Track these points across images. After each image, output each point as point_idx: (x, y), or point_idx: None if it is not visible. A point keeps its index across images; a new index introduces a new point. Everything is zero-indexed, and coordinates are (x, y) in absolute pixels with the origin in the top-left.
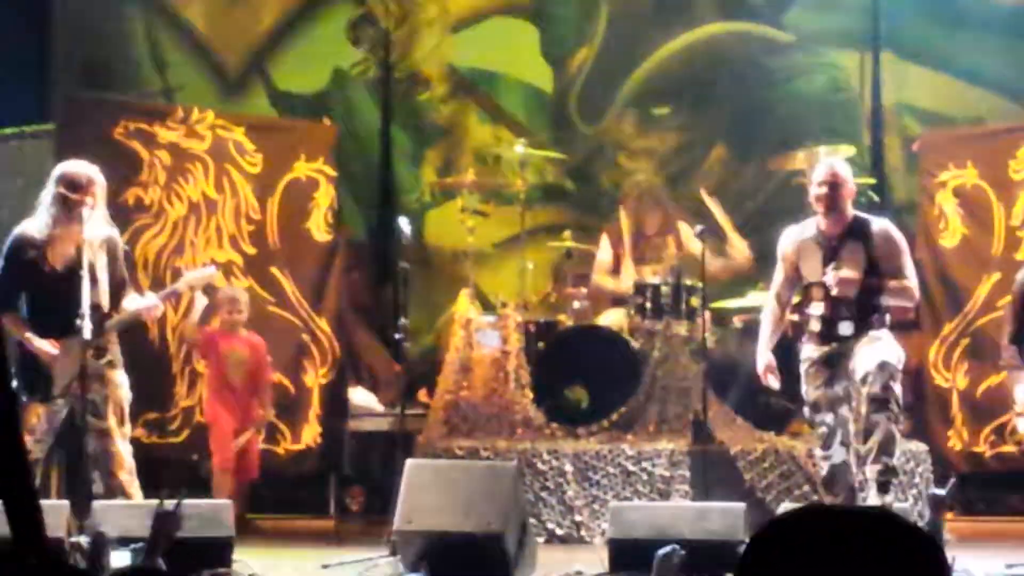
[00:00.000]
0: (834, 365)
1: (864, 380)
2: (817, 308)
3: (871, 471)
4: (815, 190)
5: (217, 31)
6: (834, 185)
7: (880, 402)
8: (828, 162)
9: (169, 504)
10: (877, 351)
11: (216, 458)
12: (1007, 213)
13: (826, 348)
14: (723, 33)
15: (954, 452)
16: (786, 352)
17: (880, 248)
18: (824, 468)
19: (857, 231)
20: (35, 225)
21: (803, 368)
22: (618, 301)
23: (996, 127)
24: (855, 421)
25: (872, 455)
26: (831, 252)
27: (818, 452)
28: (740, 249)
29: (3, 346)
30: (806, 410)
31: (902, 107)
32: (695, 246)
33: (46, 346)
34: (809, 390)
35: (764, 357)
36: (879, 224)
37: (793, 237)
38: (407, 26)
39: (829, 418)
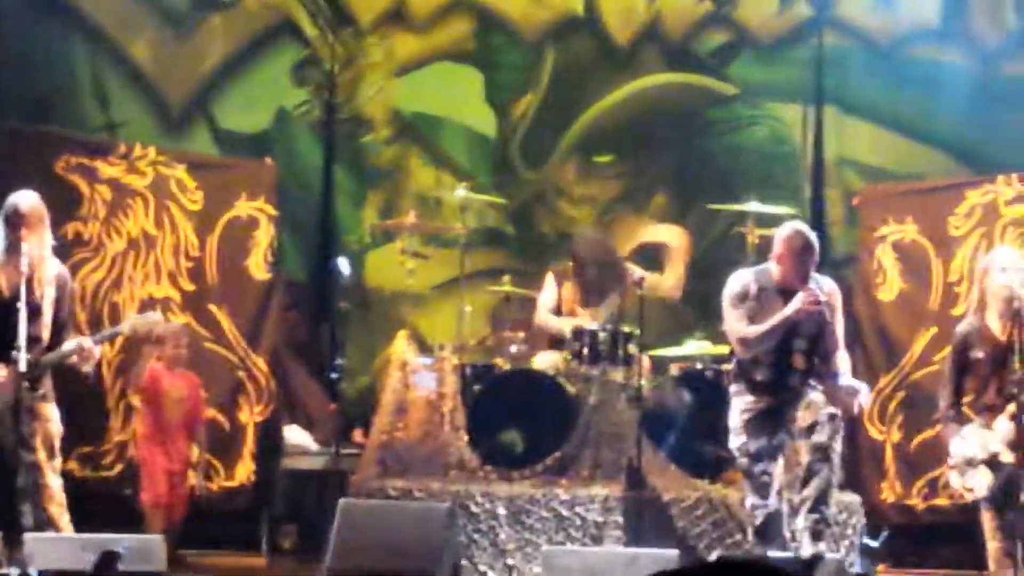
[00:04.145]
0: (776, 416)
1: (811, 430)
2: (767, 356)
3: (807, 519)
4: (777, 246)
5: (162, 68)
6: (797, 246)
7: (824, 451)
8: (792, 224)
9: (117, 549)
10: (824, 403)
11: (147, 495)
12: (945, 269)
13: (769, 399)
14: (667, 83)
15: (887, 504)
16: (720, 399)
17: (830, 307)
18: (760, 517)
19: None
20: None
21: (742, 418)
22: (556, 343)
23: (936, 183)
24: (789, 471)
25: (808, 504)
26: (790, 301)
27: (755, 501)
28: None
29: None
30: (743, 460)
31: (843, 161)
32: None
33: None
34: (750, 441)
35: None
36: (830, 284)
37: (752, 279)
38: (352, 68)
39: (771, 467)
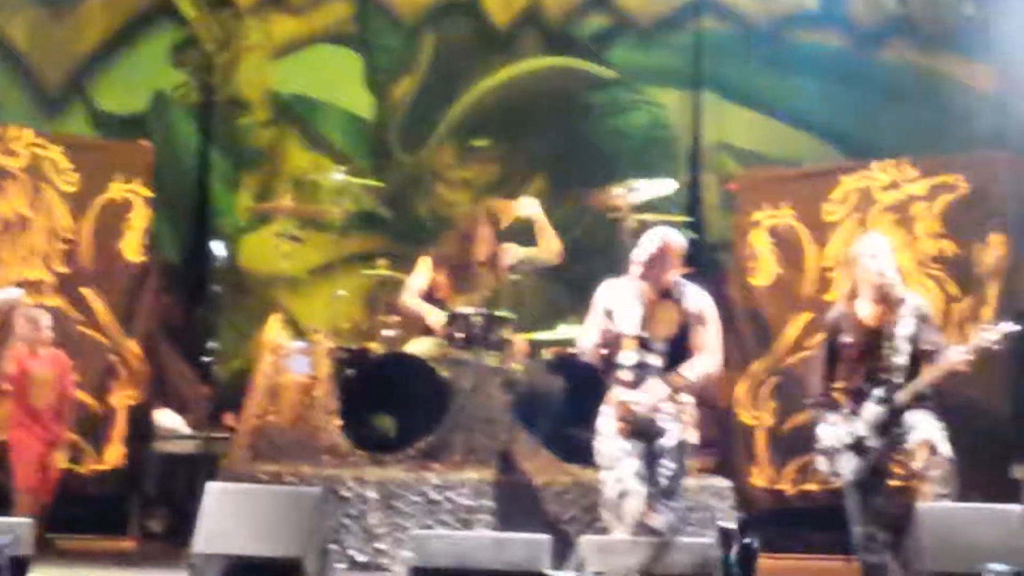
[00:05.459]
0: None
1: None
2: (629, 357)
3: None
4: (640, 255)
5: (38, 48)
6: (659, 256)
7: (673, 479)
8: (659, 233)
9: None
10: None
11: (19, 480)
12: (819, 254)
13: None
14: (546, 67)
15: (757, 489)
16: (593, 385)
17: (693, 317)
18: (615, 491)
19: (675, 294)
20: None
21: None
22: (427, 330)
23: (812, 169)
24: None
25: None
26: (649, 309)
27: (610, 475)
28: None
29: None
30: (601, 439)
31: (721, 146)
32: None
33: None
34: (610, 419)
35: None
36: (697, 295)
37: (613, 290)
38: (230, 51)
39: (627, 445)
